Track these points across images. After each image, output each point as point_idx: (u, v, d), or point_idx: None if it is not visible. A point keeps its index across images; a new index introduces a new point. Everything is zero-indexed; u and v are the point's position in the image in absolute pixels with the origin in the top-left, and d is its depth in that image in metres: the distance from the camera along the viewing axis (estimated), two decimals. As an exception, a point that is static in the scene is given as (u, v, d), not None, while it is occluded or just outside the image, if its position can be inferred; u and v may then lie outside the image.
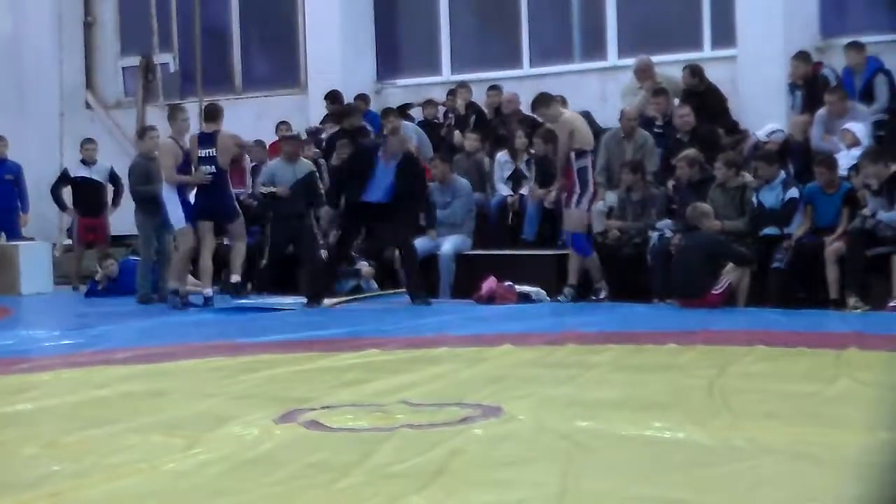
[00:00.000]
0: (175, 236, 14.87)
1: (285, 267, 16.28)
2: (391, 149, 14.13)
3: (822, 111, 14.46)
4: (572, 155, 13.58)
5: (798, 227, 13.17)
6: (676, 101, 15.82)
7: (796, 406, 6.93)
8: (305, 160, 16.46)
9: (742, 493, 4.97)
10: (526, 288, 14.07)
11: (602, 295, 13.80)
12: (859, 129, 14.02)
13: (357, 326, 11.82)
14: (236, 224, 14.85)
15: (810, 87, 14.97)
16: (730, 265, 12.82)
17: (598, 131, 16.14)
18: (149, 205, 15.16)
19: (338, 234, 15.00)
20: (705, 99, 15.54)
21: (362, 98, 18.39)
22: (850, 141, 13.93)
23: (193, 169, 14.30)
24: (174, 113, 14.93)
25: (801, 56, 15.23)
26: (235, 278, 14.78)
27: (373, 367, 9.01)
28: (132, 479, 5.42)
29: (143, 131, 16.66)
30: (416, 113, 18.52)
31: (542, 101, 13.91)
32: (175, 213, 14.38)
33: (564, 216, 13.94)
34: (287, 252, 16.19)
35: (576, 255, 13.88)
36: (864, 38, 15.13)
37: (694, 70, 15.78)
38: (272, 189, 15.80)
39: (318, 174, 16.27)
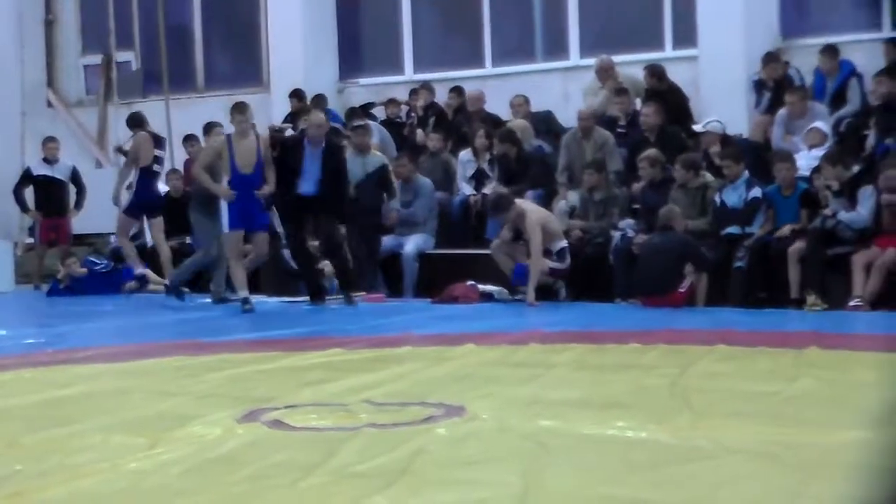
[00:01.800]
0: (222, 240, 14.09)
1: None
2: (311, 136, 13.99)
3: (782, 111, 14.57)
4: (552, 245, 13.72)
5: (759, 228, 13.24)
6: (638, 102, 15.89)
7: (758, 405, 6.96)
8: (377, 153, 15.80)
9: (705, 492, 4.99)
10: (489, 287, 14.10)
11: (562, 295, 13.84)
12: (825, 128, 14.13)
13: (320, 326, 11.82)
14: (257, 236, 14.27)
15: (778, 87, 15.06)
16: (689, 266, 12.88)
17: (559, 131, 16.22)
18: (208, 204, 14.36)
19: (287, 233, 14.81)
20: (668, 99, 15.60)
21: (320, 98, 18.31)
22: (817, 140, 14.02)
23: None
24: (232, 113, 13.90)
25: (772, 56, 15.32)
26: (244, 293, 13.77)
27: (336, 366, 9.00)
28: (94, 479, 5.40)
29: (209, 127, 16.27)
30: (379, 112, 18.54)
31: (502, 205, 13.84)
32: (225, 216, 13.64)
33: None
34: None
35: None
36: (824, 39, 15.23)
37: (654, 70, 15.86)
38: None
39: (389, 166, 15.64)
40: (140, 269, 15.38)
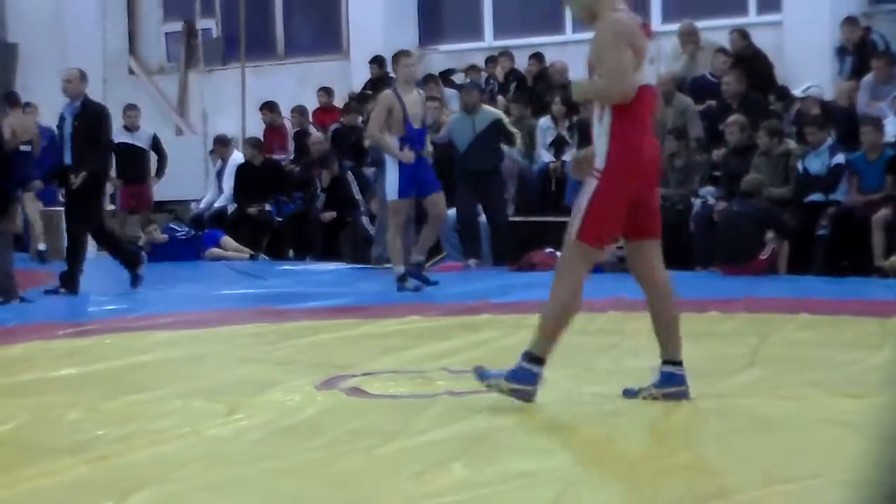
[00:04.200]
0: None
1: (328, 232, 16.31)
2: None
3: (868, 77, 14.35)
4: None
5: (844, 196, 13.06)
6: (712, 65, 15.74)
7: (840, 374, 6.89)
8: (489, 108, 15.18)
9: (782, 461, 4.94)
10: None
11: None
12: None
13: (399, 293, 11.81)
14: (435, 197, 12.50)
15: (860, 52, 14.84)
16: (771, 233, 12.75)
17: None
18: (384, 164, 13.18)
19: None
20: (752, 64, 15.42)
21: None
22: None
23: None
24: (397, 58, 12.68)
25: (851, 21, 15.11)
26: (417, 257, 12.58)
27: (414, 333, 9.02)
28: (175, 445, 5.44)
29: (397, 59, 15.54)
30: (459, 79, 18.47)
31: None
32: (391, 182, 12.24)
33: None
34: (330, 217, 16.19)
35: None
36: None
37: (743, 33, 15.67)
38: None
39: (504, 118, 15.08)
40: None
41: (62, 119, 12.65)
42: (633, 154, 5.95)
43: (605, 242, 6.20)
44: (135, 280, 12.68)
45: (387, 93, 12.40)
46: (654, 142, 6.18)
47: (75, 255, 12.49)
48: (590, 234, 6.01)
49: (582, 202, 6.04)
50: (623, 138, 5.94)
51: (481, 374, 6.15)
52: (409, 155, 11.96)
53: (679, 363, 6.20)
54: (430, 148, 12.54)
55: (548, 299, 6.21)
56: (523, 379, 6.02)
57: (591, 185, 6.01)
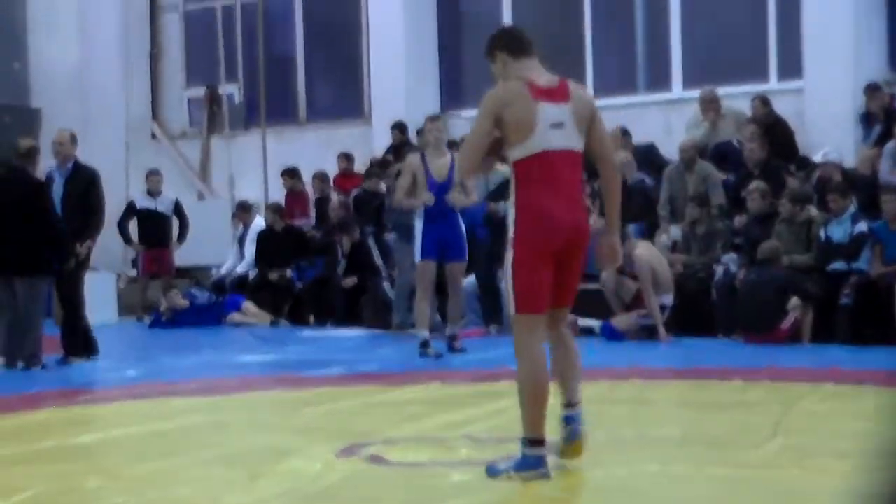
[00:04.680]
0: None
1: (349, 298, 16.31)
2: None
3: (890, 144, 14.31)
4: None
5: (867, 265, 12.97)
6: (740, 133, 15.72)
7: (866, 446, 6.81)
8: (502, 168, 14.96)
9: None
10: (589, 322, 13.97)
11: (661, 335, 13.54)
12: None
13: (420, 359, 11.77)
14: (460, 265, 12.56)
15: (888, 119, 14.80)
16: (795, 300, 12.69)
17: (662, 164, 16.06)
18: (407, 231, 13.40)
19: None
20: (773, 131, 15.41)
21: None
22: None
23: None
24: (425, 124, 12.86)
25: (876, 88, 15.08)
26: (451, 330, 12.55)
27: (435, 400, 8.97)
28: (194, 514, 5.40)
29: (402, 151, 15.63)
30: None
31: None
32: (418, 244, 12.23)
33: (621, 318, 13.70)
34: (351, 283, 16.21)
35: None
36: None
37: (764, 100, 15.68)
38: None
39: None
40: None
41: (49, 180, 12.30)
42: (537, 218, 6.01)
43: (541, 305, 6.11)
44: (63, 361, 12.02)
45: (413, 157, 12.49)
46: (573, 205, 6.13)
47: (80, 318, 12.32)
48: (523, 305, 6.06)
49: (507, 276, 6.13)
50: (526, 205, 6.04)
51: (493, 471, 6.06)
52: (428, 196, 11.97)
53: (575, 404, 6.28)
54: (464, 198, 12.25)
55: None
56: (531, 466, 5.98)
57: (508, 257, 6.09)
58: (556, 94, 6.19)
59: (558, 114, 6.12)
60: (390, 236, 15.41)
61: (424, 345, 11.98)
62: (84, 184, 12.21)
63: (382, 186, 16.44)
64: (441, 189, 12.06)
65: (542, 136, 6.08)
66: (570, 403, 6.27)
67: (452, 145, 17.00)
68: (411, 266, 13.14)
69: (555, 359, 6.34)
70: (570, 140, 6.14)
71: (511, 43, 6.46)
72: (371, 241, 16.28)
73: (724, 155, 15.72)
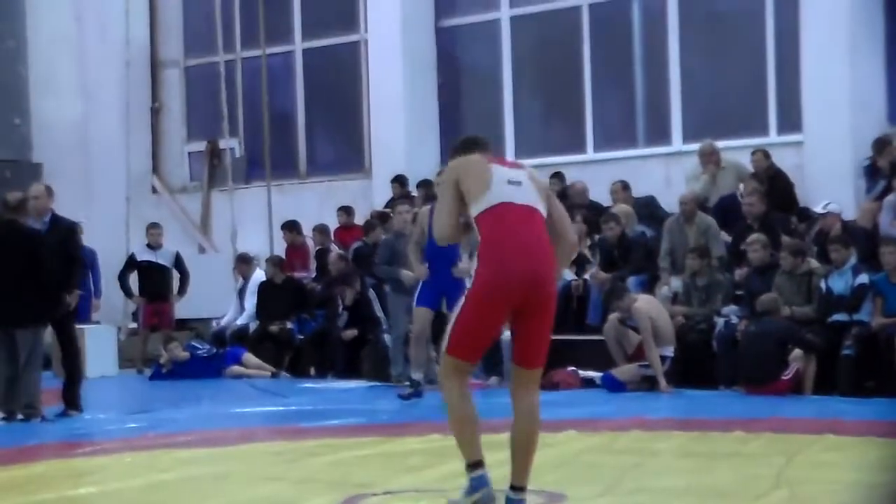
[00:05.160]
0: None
1: (349, 350, 16.31)
2: None
3: (891, 197, 14.33)
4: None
5: (868, 317, 12.97)
6: (741, 187, 15.76)
7: (867, 497, 6.79)
8: None
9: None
10: (590, 373, 13.97)
11: (662, 385, 13.50)
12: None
13: (420, 410, 11.75)
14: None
15: (894, 173, 14.79)
16: (797, 352, 12.68)
17: (662, 217, 16.08)
18: (399, 283, 13.93)
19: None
20: (773, 184, 15.44)
21: (426, 184, 18.31)
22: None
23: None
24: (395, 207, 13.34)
25: (884, 141, 15.08)
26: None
27: (435, 452, 8.94)
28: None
29: (393, 206, 15.88)
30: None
31: (614, 294, 13.85)
32: (418, 292, 12.85)
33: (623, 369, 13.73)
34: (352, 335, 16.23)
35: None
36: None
37: (765, 154, 15.73)
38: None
39: None
40: None
41: None
42: (491, 273, 6.24)
43: (472, 356, 6.46)
44: (63, 414, 11.96)
45: (423, 210, 12.81)
46: (531, 257, 6.28)
47: (81, 371, 12.30)
48: (455, 348, 6.33)
49: (452, 318, 6.39)
50: (484, 259, 6.32)
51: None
52: (421, 271, 12.44)
53: (517, 489, 6.41)
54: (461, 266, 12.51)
55: None
56: (475, 488, 6.28)
57: (460, 303, 6.36)
58: (510, 163, 6.82)
59: (514, 174, 6.51)
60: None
61: (412, 384, 12.46)
62: (64, 235, 12.19)
63: (382, 238, 16.47)
64: (440, 250, 11.96)
65: (499, 190, 6.39)
66: (512, 485, 6.43)
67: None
68: (406, 317, 13.65)
69: (511, 427, 6.52)
70: (528, 197, 6.44)
71: (464, 143, 6.94)
72: (372, 293, 16.29)
73: (727, 209, 15.73)
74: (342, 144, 21.43)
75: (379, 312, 16.01)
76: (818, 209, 14.70)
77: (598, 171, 17.63)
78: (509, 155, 19.28)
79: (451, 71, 20.07)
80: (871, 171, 15.23)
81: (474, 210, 6.34)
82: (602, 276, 15.20)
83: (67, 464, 8.83)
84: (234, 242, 20.21)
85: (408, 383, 13.10)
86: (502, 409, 11.24)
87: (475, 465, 6.30)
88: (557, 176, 17.77)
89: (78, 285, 12.27)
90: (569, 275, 16.00)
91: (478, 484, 6.26)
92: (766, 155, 15.74)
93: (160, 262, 18.13)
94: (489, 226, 6.29)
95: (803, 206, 15.46)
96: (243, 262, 18.45)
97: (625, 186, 16.46)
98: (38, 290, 11.59)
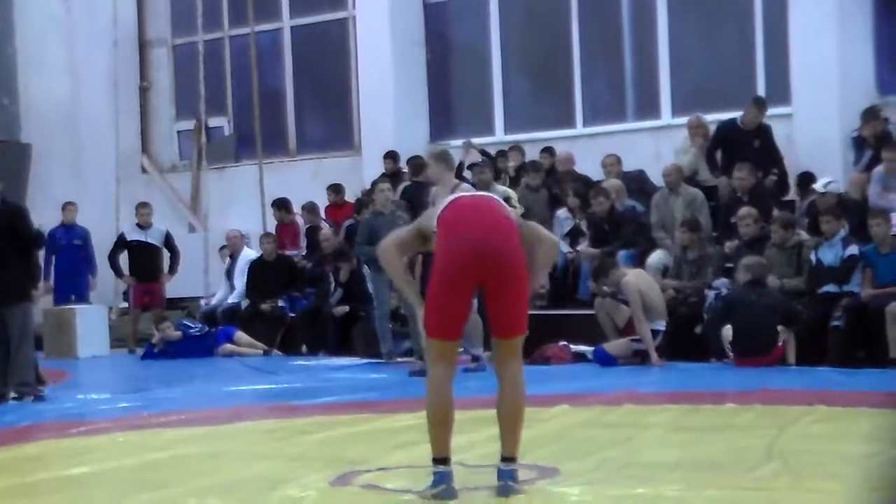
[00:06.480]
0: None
1: (341, 327, 16.33)
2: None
3: (879, 168, 14.34)
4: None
5: (858, 288, 13.00)
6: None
7: (859, 468, 6.82)
8: (500, 187, 15.05)
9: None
10: (581, 348, 13.98)
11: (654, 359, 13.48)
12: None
13: (413, 387, 11.76)
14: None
15: (879, 144, 14.80)
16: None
17: (651, 191, 16.08)
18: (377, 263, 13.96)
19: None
20: (762, 156, 15.44)
21: (417, 159, 18.23)
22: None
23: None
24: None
25: (872, 113, 15.09)
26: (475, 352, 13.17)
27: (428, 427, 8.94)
28: (188, 543, 5.39)
29: (373, 185, 15.88)
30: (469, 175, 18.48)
31: (602, 270, 13.80)
32: None
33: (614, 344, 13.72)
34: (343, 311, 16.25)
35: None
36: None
37: (761, 104, 15.68)
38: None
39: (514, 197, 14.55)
40: None
41: None
42: (447, 249, 6.36)
43: (447, 333, 6.45)
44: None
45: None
46: (487, 230, 6.37)
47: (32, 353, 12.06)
48: (432, 330, 6.41)
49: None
50: (441, 240, 6.42)
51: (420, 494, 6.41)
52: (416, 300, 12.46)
53: (508, 459, 6.45)
54: None
55: None
56: (436, 483, 6.29)
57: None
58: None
59: (471, 190, 6.69)
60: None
61: (418, 371, 12.19)
62: (11, 217, 11.72)
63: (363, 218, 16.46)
64: None
65: (456, 196, 6.74)
66: (502, 456, 6.47)
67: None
68: (390, 294, 13.91)
69: (496, 403, 6.58)
70: (485, 196, 6.78)
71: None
72: (365, 269, 16.28)
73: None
74: (331, 122, 21.40)
75: (371, 290, 16.01)
76: (818, 186, 14.56)
77: (587, 146, 17.63)
78: (499, 131, 19.31)
79: (440, 47, 20.03)
80: (859, 143, 15.24)
81: (434, 221, 6.50)
82: (590, 251, 15.19)
83: (60, 444, 8.83)
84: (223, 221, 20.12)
85: (399, 359, 13.10)
86: (496, 386, 11.28)
87: (441, 460, 6.35)
88: (547, 151, 17.76)
89: (36, 269, 12.14)
90: (564, 247, 15.94)
91: (440, 479, 6.29)
92: (762, 106, 15.68)
93: (150, 241, 18.12)
94: (445, 219, 6.44)
95: (805, 171, 15.30)
96: (232, 241, 18.33)
97: (617, 160, 16.45)
98: (24, 266, 11.54)
